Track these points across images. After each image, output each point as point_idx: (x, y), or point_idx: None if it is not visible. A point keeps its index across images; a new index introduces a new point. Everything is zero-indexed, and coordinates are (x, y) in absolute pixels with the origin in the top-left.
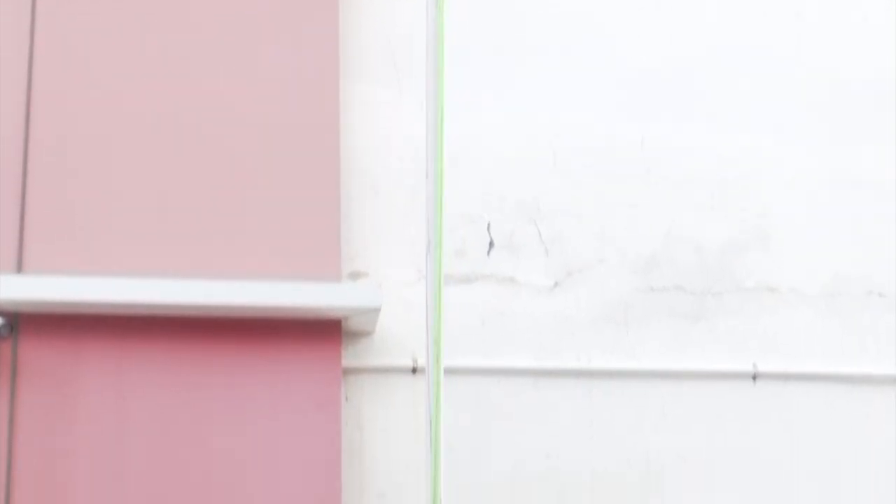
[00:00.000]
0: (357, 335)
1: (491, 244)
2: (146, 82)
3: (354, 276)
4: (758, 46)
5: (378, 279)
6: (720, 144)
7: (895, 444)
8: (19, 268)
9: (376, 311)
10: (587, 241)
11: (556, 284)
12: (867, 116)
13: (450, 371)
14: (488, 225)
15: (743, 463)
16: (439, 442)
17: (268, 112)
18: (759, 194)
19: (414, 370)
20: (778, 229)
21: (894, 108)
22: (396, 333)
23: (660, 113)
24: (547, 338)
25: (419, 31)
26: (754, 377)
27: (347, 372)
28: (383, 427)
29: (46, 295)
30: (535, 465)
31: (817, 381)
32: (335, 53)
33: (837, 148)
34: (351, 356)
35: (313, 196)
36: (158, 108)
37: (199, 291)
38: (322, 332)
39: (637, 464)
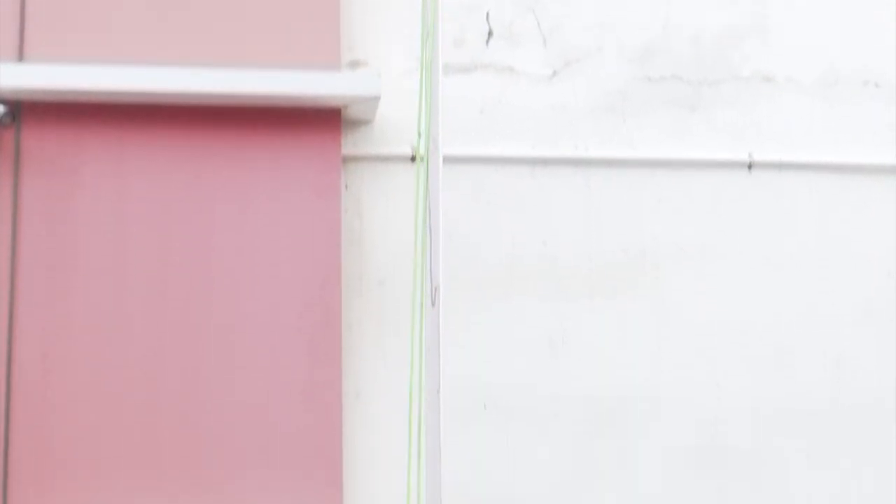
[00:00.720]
0: (356, 124)
1: (490, 34)
2: None
3: (354, 64)
4: None
5: (377, 68)
6: None
7: (889, 232)
8: (20, 56)
9: (376, 99)
10: (585, 31)
11: (554, 74)
12: None
13: (448, 159)
14: (487, 14)
15: (738, 251)
16: (428, 229)
17: None
18: None
19: (413, 158)
20: (775, 18)
21: None
22: (395, 122)
23: None
24: (545, 127)
25: None
26: (750, 166)
27: (347, 160)
28: (383, 215)
29: (48, 83)
30: (533, 252)
31: (812, 169)
32: None
33: None
34: (350, 144)
35: None
36: None
37: (200, 79)
38: (322, 120)
39: (633, 252)
